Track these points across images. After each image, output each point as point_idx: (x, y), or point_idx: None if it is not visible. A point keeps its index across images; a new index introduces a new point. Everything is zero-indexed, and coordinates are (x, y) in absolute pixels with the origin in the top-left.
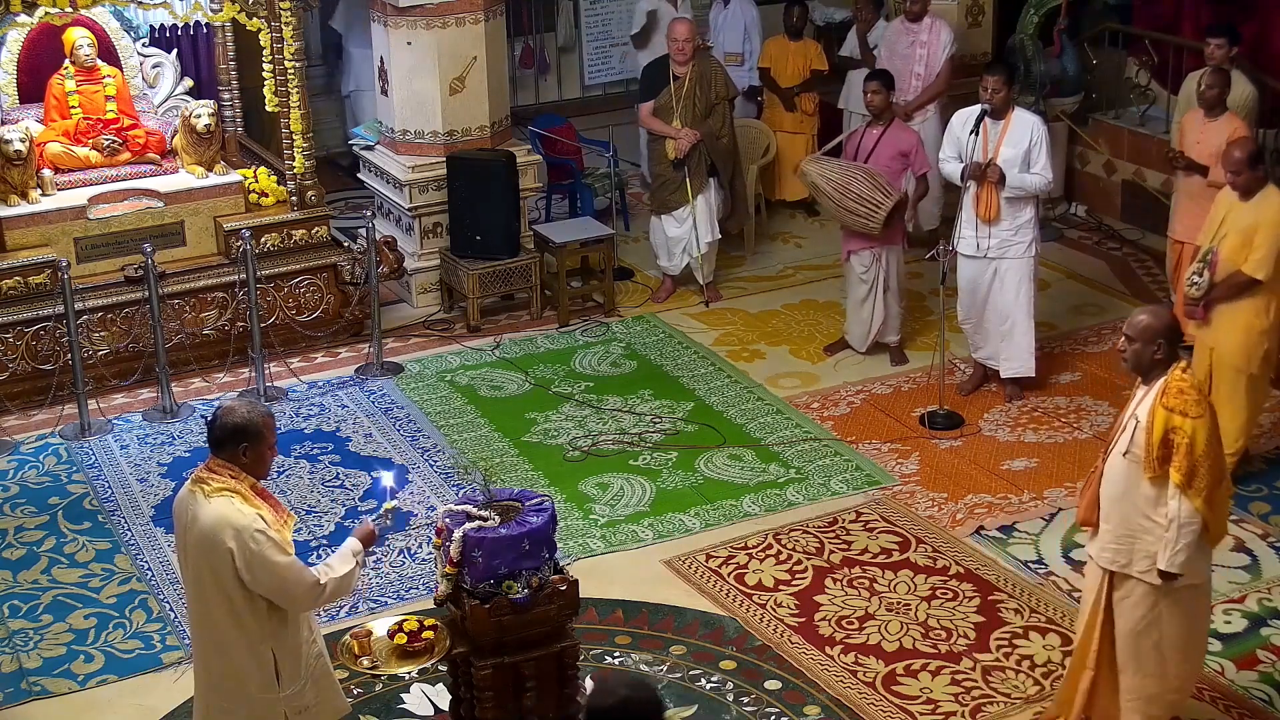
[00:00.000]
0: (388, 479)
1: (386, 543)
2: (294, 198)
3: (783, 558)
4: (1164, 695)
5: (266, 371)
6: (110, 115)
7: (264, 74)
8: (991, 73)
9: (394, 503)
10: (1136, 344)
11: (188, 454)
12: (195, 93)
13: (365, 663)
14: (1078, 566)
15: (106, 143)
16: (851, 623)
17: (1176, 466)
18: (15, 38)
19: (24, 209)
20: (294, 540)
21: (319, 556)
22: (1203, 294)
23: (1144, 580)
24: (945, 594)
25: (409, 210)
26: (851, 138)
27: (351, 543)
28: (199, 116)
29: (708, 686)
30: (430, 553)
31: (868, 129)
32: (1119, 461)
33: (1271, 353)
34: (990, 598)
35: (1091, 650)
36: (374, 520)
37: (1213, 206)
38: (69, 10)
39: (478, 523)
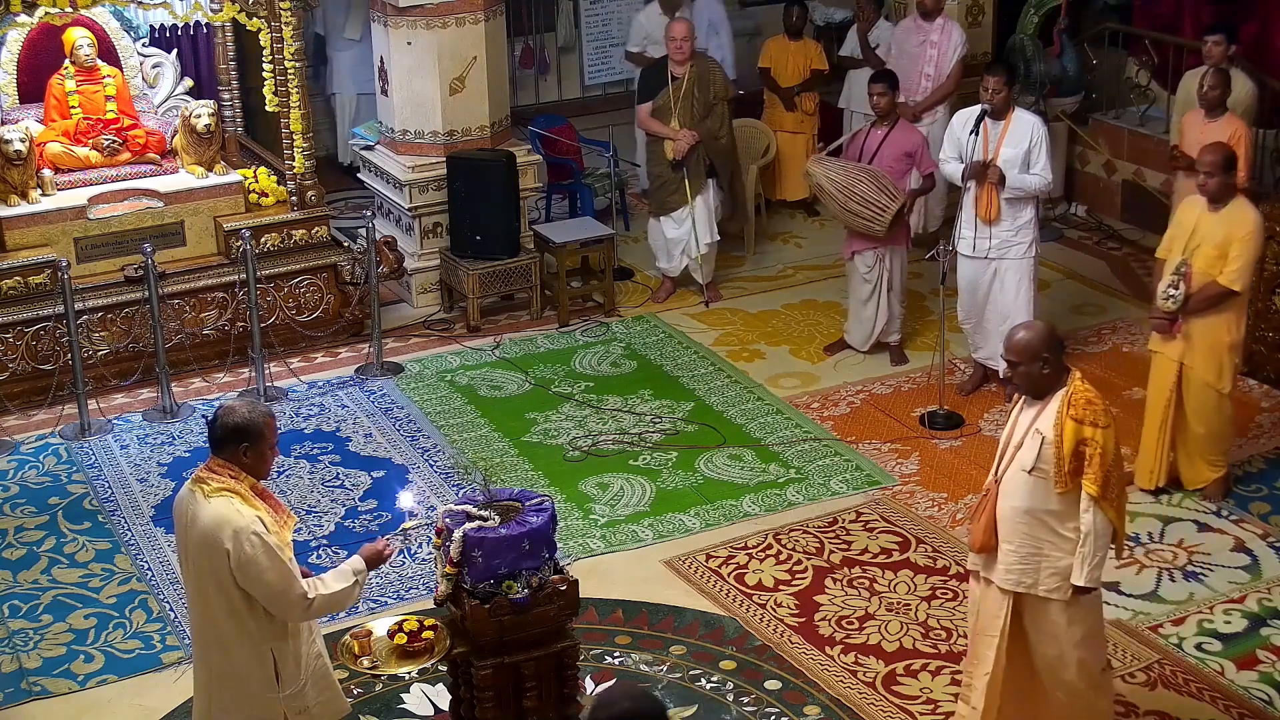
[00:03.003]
0: (406, 500)
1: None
2: (294, 198)
3: (783, 558)
4: (1098, 704)
5: (266, 371)
6: (110, 115)
7: (264, 74)
8: (991, 73)
9: (414, 521)
10: (1022, 366)
11: (188, 454)
12: (195, 93)
13: (365, 663)
14: None
15: (106, 143)
16: (851, 623)
17: (1091, 479)
18: (15, 38)
19: (24, 209)
20: (294, 540)
21: (319, 556)
22: (1179, 306)
23: (1053, 598)
24: (945, 594)
25: (409, 210)
26: (855, 138)
27: (354, 561)
28: (199, 116)
29: (708, 686)
30: (430, 553)
31: (872, 129)
32: (1020, 479)
33: (1239, 367)
34: None
35: (999, 681)
36: (393, 536)
37: (1179, 216)
38: (69, 10)
39: (478, 523)
